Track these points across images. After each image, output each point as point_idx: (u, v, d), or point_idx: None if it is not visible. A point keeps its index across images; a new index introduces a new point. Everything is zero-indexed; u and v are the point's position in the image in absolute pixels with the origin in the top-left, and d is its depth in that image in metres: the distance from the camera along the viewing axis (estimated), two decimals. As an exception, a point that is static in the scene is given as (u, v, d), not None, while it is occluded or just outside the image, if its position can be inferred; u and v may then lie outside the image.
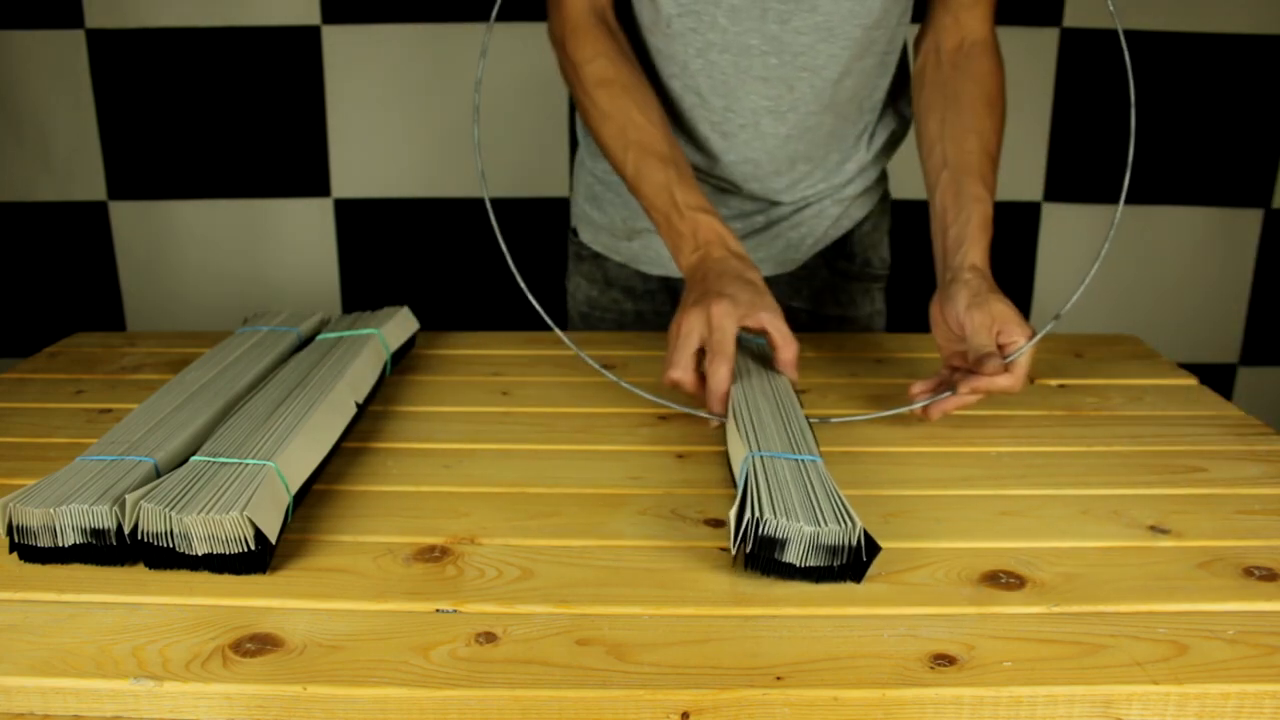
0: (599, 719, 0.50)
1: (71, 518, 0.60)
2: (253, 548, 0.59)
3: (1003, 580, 0.60)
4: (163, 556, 0.60)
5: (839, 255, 1.11)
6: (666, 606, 0.57)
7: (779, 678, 0.51)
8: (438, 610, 0.57)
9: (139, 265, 1.80)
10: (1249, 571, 0.61)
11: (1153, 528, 0.67)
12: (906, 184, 1.65)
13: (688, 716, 0.50)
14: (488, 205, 0.84)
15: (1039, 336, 0.81)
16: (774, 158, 0.99)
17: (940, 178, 0.90)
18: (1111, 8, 0.82)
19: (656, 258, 1.08)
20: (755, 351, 0.88)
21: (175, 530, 0.59)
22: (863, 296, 1.13)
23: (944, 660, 0.52)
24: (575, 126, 1.14)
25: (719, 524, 0.67)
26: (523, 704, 0.50)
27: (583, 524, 0.67)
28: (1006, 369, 0.79)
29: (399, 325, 0.97)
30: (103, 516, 0.60)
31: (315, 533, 0.66)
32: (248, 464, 0.64)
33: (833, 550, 0.59)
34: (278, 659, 0.52)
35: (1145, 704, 0.51)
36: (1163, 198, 1.75)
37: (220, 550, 0.60)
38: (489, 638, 0.54)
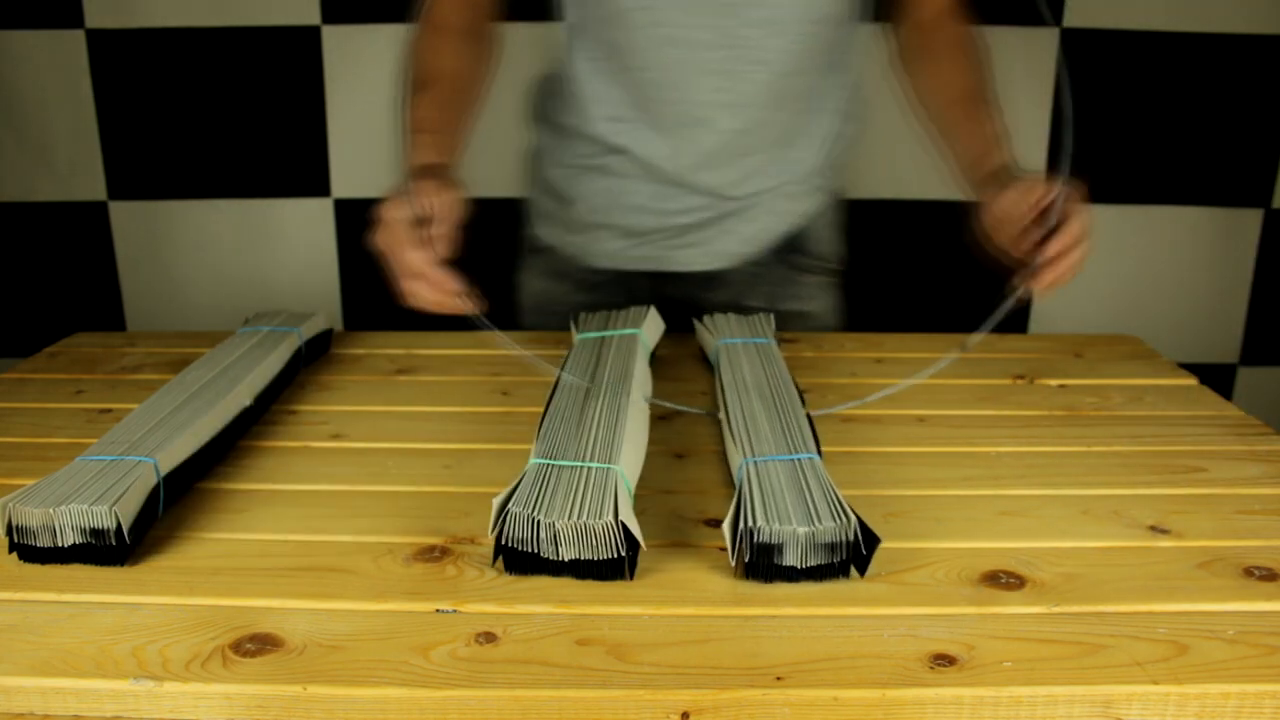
0: (599, 719, 0.50)
1: (71, 518, 0.60)
2: (622, 553, 0.59)
3: (1003, 580, 0.60)
4: (525, 561, 0.60)
5: (791, 250, 1.12)
6: (666, 606, 0.57)
7: (779, 678, 0.51)
8: (438, 610, 0.57)
9: (139, 265, 1.80)
10: (1249, 571, 0.61)
11: (1153, 528, 0.67)
12: (910, 184, 1.65)
13: (688, 716, 0.50)
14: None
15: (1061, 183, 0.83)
16: (727, 150, 1.01)
17: (944, 120, 0.97)
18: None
19: (607, 250, 1.10)
20: (757, 349, 0.88)
21: (543, 535, 0.59)
22: (819, 292, 1.14)
23: (944, 660, 0.52)
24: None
25: (719, 524, 0.67)
26: (523, 704, 0.50)
27: (583, 524, 0.67)
28: (1066, 215, 0.82)
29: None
30: (103, 516, 0.60)
31: (315, 533, 0.66)
32: (593, 467, 0.65)
33: (831, 547, 0.59)
34: (278, 659, 0.52)
35: (1145, 704, 0.51)
36: (1163, 198, 1.75)
37: (588, 556, 0.60)
38: (489, 638, 0.54)
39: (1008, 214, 0.85)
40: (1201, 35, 1.67)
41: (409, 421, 0.85)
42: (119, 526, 0.60)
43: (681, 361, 1.00)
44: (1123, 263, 1.78)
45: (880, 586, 0.60)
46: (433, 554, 0.63)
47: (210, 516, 0.68)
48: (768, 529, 0.59)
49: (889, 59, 1.04)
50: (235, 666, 0.52)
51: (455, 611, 0.57)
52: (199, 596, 0.58)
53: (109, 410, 0.87)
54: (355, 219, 1.78)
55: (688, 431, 0.83)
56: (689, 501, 0.70)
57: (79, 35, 1.67)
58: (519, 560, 0.61)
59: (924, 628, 0.55)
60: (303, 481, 0.74)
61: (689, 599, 0.58)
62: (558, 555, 0.60)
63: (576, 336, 0.93)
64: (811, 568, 0.60)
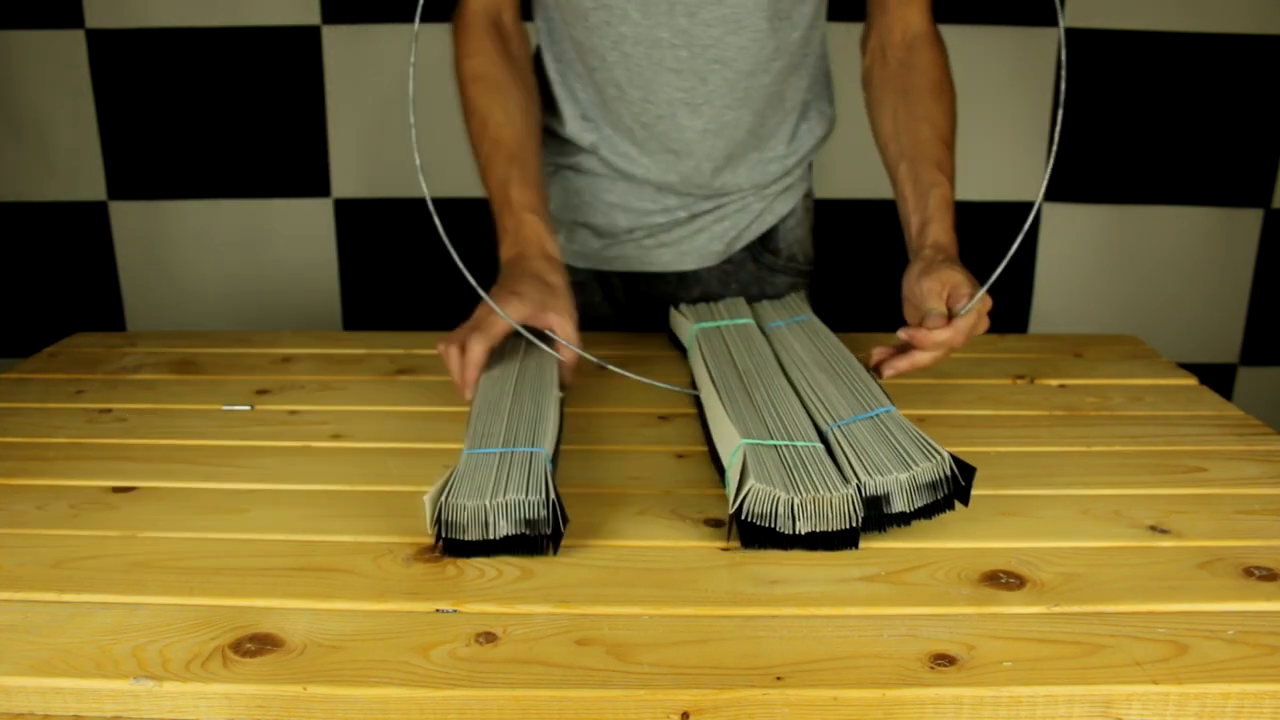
0: (599, 719, 0.50)
1: (507, 510, 0.61)
2: (856, 524, 0.63)
3: (1003, 580, 0.60)
4: (760, 535, 0.63)
5: (764, 249, 1.12)
6: (666, 606, 0.57)
7: (779, 678, 0.51)
8: (438, 610, 0.57)
9: (139, 265, 1.80)
10: (1249, 571, 0.61)
11: (1153, 528, 0.67)
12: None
13: (688, 716, 0.50)
14: (429, 204, 0.85)
15: (981, 292, 0.82)
16: (693, 151, 1.01)
17: (899, 170, 0.94)
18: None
19: (582, 250, 1.10)
20: (800, 326, 0.92)
21: (780, 511, 0.62)
22: (789, 291, 1.14)
23: (944, 660, 0.52)
24: None
25: (719, 524, 0.67)
26: (523, 704, 0.50)
27: (583, 524, 0.67)
28: (947, 323, 0.81)
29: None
30: (537, 507, 0.62)
31: (315, 533, 0.66)
32: (800, 445, 0.68)
33: (932, 486, 0.63)
34: (278, 659, 0.52)
35: (1145, 704, 0.51)
36: (1163, 198, 1.75)
37: (824, 528, 0.63)
38: (489, 638, 0.54)
39: (919, 298, 0.83)
40: (1201, 35, 1.67)
41: (409, 421, 0.85)
42: (556, 514, 0.61)
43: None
44: (1123, 263, 1.78)
45: (880, 586, 0.60)
46: (433, 554, 0.63)
47: (210, 516, 0.68)
48: (871, 482, 0.63)
49: (862, 76, 1.02)
50: (235, 666, 0.52)
51: (455, 611, 0.57)
52: (199, 596, 0.58)
53: (109, 410, 0.87)
54: (355, 219, 1.78)
55: (688, 431, 0.83)
56: (689, 501, 0.70)
57: (79, 35, 1.67)
58: (754, 534, 0.63)
59: (924, 628, 0.55)
60: (303, 481, 0.74)
61: (689, 599, 0.58)
62: (793, 529, 0.62)
63: (692, 328, 0.95)
64: (920, 508, 0.63)
